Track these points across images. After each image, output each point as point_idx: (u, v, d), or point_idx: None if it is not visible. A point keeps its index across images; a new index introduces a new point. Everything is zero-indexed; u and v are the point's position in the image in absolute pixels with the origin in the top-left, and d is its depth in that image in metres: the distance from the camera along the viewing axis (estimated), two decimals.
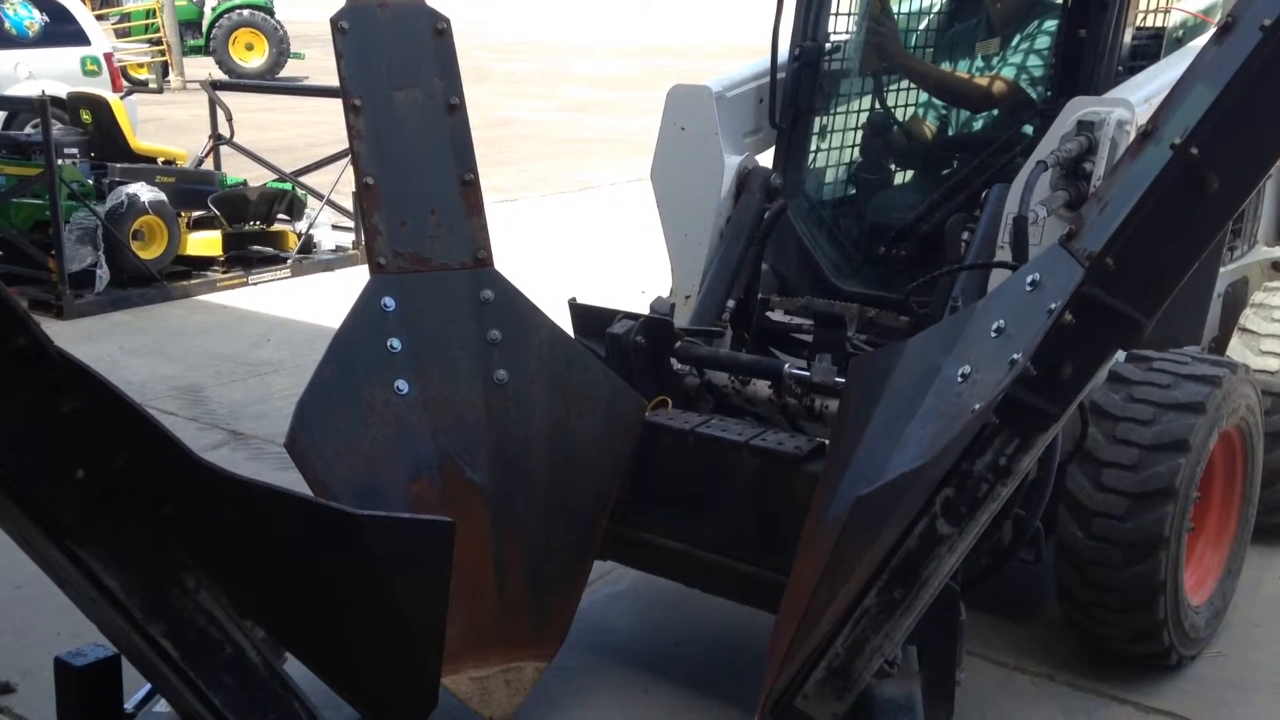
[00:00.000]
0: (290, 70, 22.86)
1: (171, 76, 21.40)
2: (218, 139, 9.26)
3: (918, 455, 2.55)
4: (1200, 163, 2.17)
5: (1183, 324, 2.44)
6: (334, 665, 2.30)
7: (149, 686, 2.46)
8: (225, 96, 9.38)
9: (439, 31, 3.32)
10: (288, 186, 8.93)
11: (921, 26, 4.55)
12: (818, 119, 4.41)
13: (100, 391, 1.83)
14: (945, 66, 4.31)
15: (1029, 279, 2.54)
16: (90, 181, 7.89)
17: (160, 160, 8.65)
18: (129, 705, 2.47)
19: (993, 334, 2.58)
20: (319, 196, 9.05)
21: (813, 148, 4.42)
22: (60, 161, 7.54)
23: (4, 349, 1.72)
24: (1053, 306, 2.36)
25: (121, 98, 9.37)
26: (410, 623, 2.22)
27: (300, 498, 2.08)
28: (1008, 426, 2.38)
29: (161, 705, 2.42)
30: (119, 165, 8.11)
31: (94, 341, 6.92)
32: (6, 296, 1.71)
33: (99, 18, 15.04)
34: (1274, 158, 2.28)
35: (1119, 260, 2.26)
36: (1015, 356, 2.41)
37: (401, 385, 3.17)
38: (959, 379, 2.62)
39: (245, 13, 22.93)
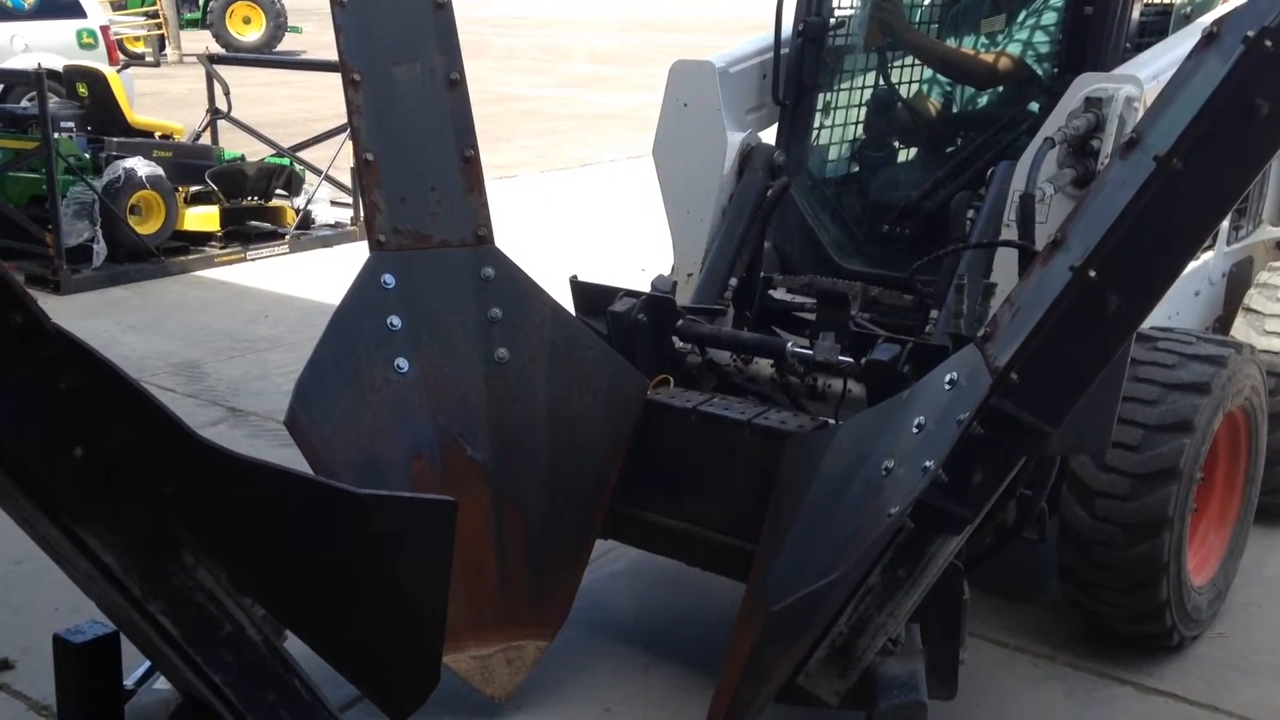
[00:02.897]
0: (288, 44, 22.70)
1: (168, 50, 21.29)
2: (215, 113, 9.21)
3: (837, 551, 2.64)
4: (1099, 284, 2.24)
5: (1089, 429, 2.54)
6: (335, 644, 2.29)
7: (148, 664, 2.45)
8: (223, 70, 9.33)
9: (439, 6, 3.28)
10: (286, 162, 8.88)
11: (927, 2, 4.50)
12: (822, 95, 4.37)
13: (98, 369, 1.81)
14: (950, 42, 4.27)
15: (948, 378, 2.65)
16: (87, 155, 7.84)
17: (157, 134, 8.61)
18: (128, 682, 2.45)
19: (914, 429, 2.67)
20: (317, 172, 9.00)
21: (816, 124, 4.38)
22: (57, 135, 7.48)
23: (1, 326, 1.70)
24: (962, 417, 2.45)
25: (118, 71, 9.32)
26: (412, 602, 2.21)
27: (300, 476, 2.06)
28: (923, 527, 2.47)
29: (161, 683, 2.41)
30: (116, 139, 8.07)
31: (91, 317, 6.89)
32: (4, 272, 1.68)
33: None
34: (1172, 279, 2.37)
35: (1024, 375, 2.34)
36: (928, 464, 2.49)
37: (401, 364, 3.15)
38: (884, 471, 2.71)
39: None
